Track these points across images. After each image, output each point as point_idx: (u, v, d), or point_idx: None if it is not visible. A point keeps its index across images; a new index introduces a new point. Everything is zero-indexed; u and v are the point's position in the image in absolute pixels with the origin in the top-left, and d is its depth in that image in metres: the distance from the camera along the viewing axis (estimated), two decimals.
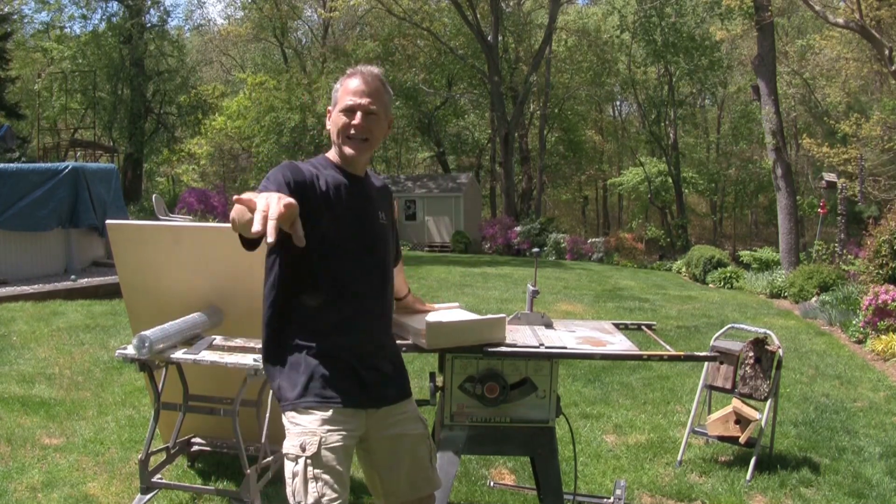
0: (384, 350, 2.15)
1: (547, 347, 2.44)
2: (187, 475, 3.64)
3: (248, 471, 3.01)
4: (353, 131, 2.09)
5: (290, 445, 1.97)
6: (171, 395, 3.24)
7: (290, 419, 1.99)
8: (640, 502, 3.59)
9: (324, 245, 2.01)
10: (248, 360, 2.87)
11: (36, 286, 8.71)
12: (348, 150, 2.11)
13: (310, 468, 1.92)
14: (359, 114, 2.08)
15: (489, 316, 2.49)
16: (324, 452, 1.93)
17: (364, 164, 2.19)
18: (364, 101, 2.08)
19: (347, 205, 2.08)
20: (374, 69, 2.16)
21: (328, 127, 2.15)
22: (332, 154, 2.17)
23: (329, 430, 1.96)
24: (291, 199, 1.63)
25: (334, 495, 1.93)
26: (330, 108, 2.16)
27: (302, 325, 2.03)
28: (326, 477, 1.93)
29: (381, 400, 2.09)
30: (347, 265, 2.06)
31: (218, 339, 3.14)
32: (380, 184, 2.31)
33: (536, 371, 2.46)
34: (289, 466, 1.96)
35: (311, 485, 1.92)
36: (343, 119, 2.10)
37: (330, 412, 1.97)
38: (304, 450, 1.93)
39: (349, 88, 2.11)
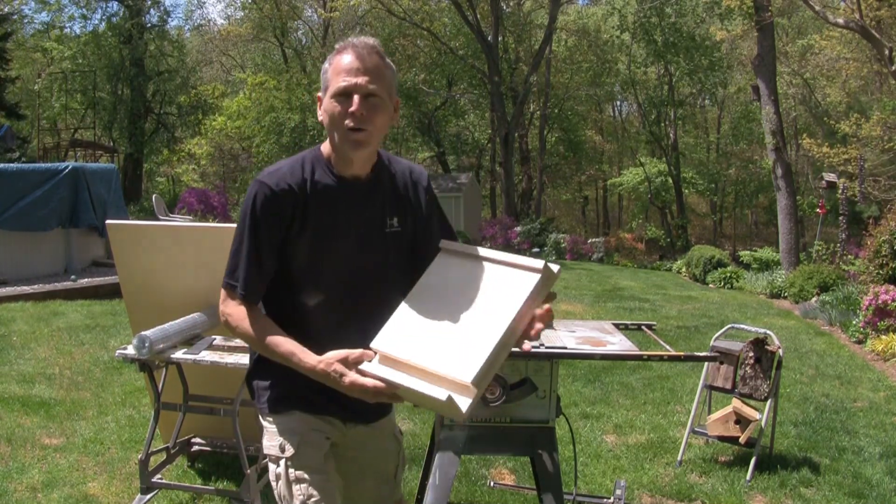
0: None
1: (547, 347, 2.45)
2: (187, 475, 3.64)
3: (248, 471, 3.01)
4: (350, 121, 1.69)
5: (269, 445, 1.85)
6: (171, 395, 3.24)
7: (268, 420, 1.86)
8: (640, 502, 3.59)
9: (302, 272, 1.78)
10: (248, 360, 2.87)
11: (36, 286, 8.71)
12: (348, 151, 1.73)
13: (291, 470, 1.80)
14: (356, 98, 1.68)
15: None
16: (303, 451, 1.81)
17: (366, 160, 1.81)
18: (361, 79, 1.68)
19: (333, 218, 1.77)
20: (370, 40, 1.73)
21: (319, 117, 1.78)
22: (326, 147, 1.81)
23: (310, 430, 1.83)
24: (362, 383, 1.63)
25: (319, 496, 1.79)
26: (320, 94, 1.77)
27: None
28: (310, 478, 1.80)
29: (360, 419, 1.93)
30: (329, 292, 1.79)
31: (218, 339, 3.15)
32: (401, 177, 1.89)
33: (536, 371, 2.46)
34: (271, 468, 1.85)
35: (295, 487, 1.79)
36: (336, 106, 1.70)
37: (310, 415, 1.84)
38: (283, 450, 1.81)
39: (341, 66, 1.69)
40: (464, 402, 1.53)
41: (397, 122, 1.80)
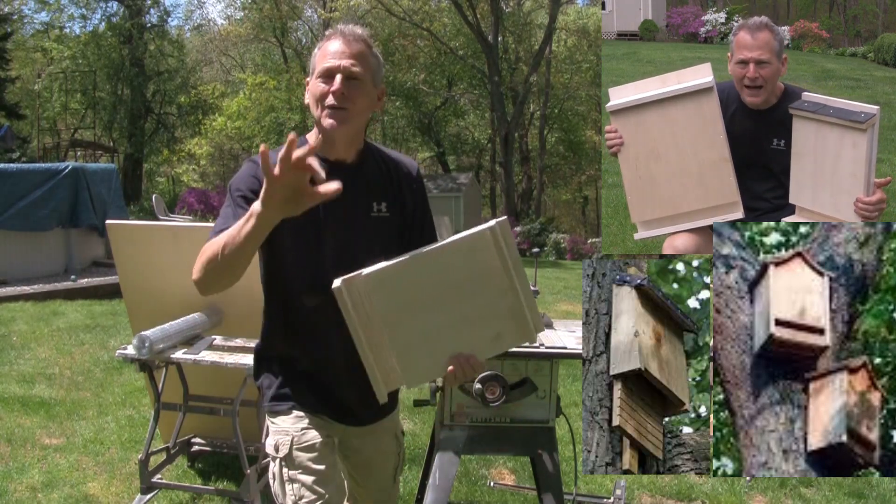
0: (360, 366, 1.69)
1: (547, 347, 2.44)
2: (187, 475, 3.64)
3: (248, 471, 3.01)
4: (331, 99, 1.74)
5: (267, 443, 1.89)
6: (171, 395, 3.23)
7: (269, 420, 1.90)
8: (640, 502, 3.59)
9: (288, 254, 1.81)
10: (248, 360, 2.87)
11: (36, 286, 8.70)
12: (327, 122, 1.75)
13: (285, 470, 1.83)
14: (338, 77, 1.74)
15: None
16: (296, 453, 1.83)
17: (349, 142, 1.83)
18: (345, 62, 1.75)
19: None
20: (358, 29, 1.81)
21: (306, 100, 1.83)
22: (312, 135, 1.83)
23: (303, 429, 1.84)
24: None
25: (312, 497, 1.80)
26: (308, 78, 1.84)
27: (276, 329, 1.92)
28: (303, 478, 1.81)
29: (354, 421, 1.93)
30: (315, 275, 1.77)
31: (218, 339, 3.15)
32: (391, 165, 1.92)
33: (536, 371, 2.46)
34: (270, 467, 1.90)
35: (288, 487, 1.83)
36: (320, 86, 1.76)
37: (305, 414, 1.86)
38: (277, 450, 1.84)
39: (328, 50, 1.78)
40: (385, 388, 1.66)
41: (381, 109, 1.89)
